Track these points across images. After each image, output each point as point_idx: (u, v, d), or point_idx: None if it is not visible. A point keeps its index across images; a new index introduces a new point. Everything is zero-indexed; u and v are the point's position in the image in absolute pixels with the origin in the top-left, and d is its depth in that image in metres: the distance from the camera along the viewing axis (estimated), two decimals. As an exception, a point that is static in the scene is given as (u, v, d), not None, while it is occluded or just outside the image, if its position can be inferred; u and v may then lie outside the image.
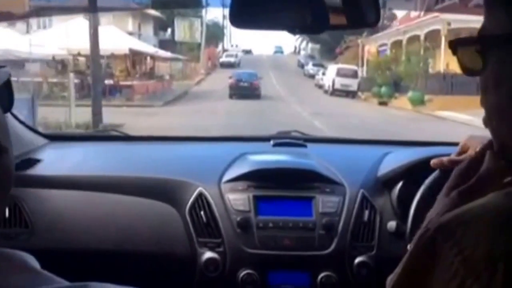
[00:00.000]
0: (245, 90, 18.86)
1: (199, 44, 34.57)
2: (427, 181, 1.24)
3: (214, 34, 42.22)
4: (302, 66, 35.91)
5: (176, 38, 34.03)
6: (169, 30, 35.75)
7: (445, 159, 0.97)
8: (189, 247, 1.51)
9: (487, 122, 0.65)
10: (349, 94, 21.78)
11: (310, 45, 47.41)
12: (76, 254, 1.54)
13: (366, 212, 1.54)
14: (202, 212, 1.53)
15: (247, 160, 1.70)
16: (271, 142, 1.91)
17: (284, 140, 1.94)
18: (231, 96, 18.77)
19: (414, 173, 1.49)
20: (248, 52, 49.02)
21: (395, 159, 1.67)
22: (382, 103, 19.17)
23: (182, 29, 34.62)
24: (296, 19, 0.98)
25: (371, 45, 25.29)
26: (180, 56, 25.80)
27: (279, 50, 56.15)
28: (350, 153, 2.00)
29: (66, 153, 1.86)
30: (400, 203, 1.53)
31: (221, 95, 19.51)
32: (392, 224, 1.50)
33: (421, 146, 1.84)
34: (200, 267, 1.48)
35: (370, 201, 1.56)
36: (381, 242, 1.51)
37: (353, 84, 21.98)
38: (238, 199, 1.54)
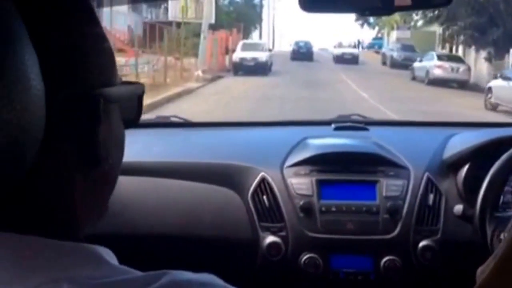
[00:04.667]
0: (303, 55, 27.60)
1: (210, 26, 19.70)
2: (504, 157, 1.24)
3: (246, 16, 27.88)
4: (396, 64, 23.92)
5: (171, 16, 19.53)
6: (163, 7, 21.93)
7: None
8: (251, 232, 1.54)
9: None
10: None
11: (395, 33, 32.62)
12: (141, 238, 1.58)
13: (431, 196, 1.54)
14: (264, 197, 1.55)
15: (309, 145, 1.71)
16: (332, 126, 1.93)
17: (345, 124, 1.95)
18: (292, 59, 26.64)
19: (482, 155, 1.50)
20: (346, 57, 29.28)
21: (461, 141, 1.65)
22: None
23: (181, 2, 19.64)
24: (366, 1, 0.97)
25: None
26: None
27: (378, 43, 40.43)
28: (413, 136, 2.00)
29: (128, 140, 1.51)
30: (467, 186, 1.52)
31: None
32: (459, 208, 1.47)
33: (487, 127, 1.86)
34: (262, 251, 1.51)
35: (435, 184, 1.56)
36: (446, 226, 1.51)
37: None
38: (301, 184, 1.56)
